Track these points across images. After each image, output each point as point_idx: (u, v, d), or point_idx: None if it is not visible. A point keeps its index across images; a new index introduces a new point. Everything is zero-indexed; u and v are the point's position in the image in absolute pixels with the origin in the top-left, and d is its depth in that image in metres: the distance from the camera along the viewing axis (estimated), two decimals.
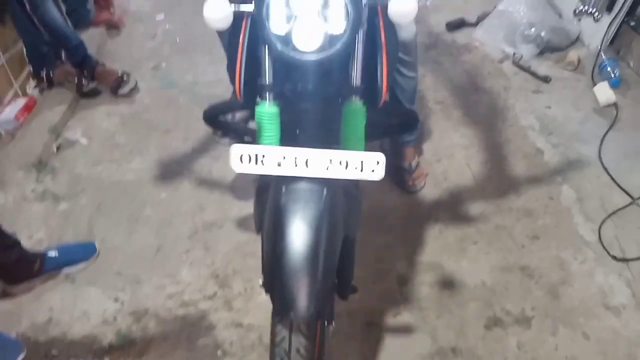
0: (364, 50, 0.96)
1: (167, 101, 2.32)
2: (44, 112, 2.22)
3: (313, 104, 0.97)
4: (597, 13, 2.32)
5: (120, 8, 3.00)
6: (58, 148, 2.07)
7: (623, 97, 2.14)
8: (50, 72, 2.30)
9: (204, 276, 1.60)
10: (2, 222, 1.47)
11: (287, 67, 0.92)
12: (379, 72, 1.06)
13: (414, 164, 1.83)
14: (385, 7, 0.87)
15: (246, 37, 1.01)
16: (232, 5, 0.83)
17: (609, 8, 2.24)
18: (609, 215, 1.72)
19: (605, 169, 1.87)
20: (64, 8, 2.51)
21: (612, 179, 1.83)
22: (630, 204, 1.75)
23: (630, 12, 2.23)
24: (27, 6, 2.03)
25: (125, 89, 2.31)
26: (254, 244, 1.68)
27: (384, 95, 1.09)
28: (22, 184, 1.89)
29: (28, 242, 1.67)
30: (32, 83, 2.35)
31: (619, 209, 1.74)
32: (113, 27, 2.85)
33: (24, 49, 2.31)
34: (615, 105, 2.09)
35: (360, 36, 0.89)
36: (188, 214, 1.79)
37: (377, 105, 1.10)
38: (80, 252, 1.64)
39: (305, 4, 0.77)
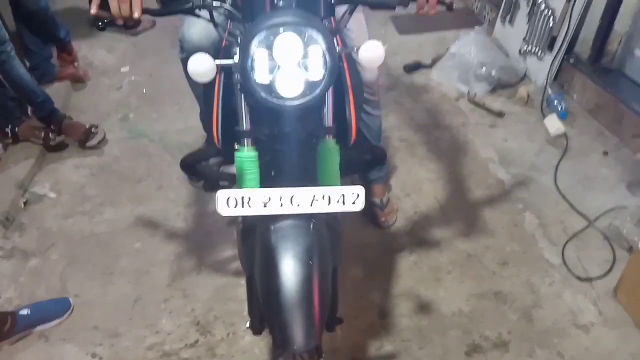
0: (334, 94, 1.04)
1: (137, 151, 2.33)
2: (9, 167, 2.18)
3: (290, 146, 1.03)
4: (539, 52, 2.54)
5: (85, 62, 3.02)
6: (25, 203, 2.03)
7: (571, 128, 2.31)
8: (16, 128, 2.27)
9: (185, 324, 1.58)
10: None
11: (266, 112, 0.98)
12: (348, 113, 1.14)
13: (384, 199, 1.90)
14: (349, 55, 0.95)
15: (221, 87, 1.08)
16: (215, 59, 0.89)
17: (550, 47, 2.45)
18: (570, 238, 1.83)
19: (562, 195, 1.99)
20: (27, 64, 2.53)
21: (570, 204, 1.96)
22: (588, 226, 1.87)
23: (569, 51, 2.44)
24: None
25: (93, 141, 2.31)
26: (233, 288, 1.68)
27: (354, 133, 1.17)
28: None
29: None
30: None
31: (579, 232, 1.85)
32: (78, 81, 2.85)
33: None
34: (565, 135, 2.25)
35: None
36: (165, 262, 1.78)
37: (348, 142, 1.17)
38: (54, 309, 1.59)
39: (287, 56, 0.84)
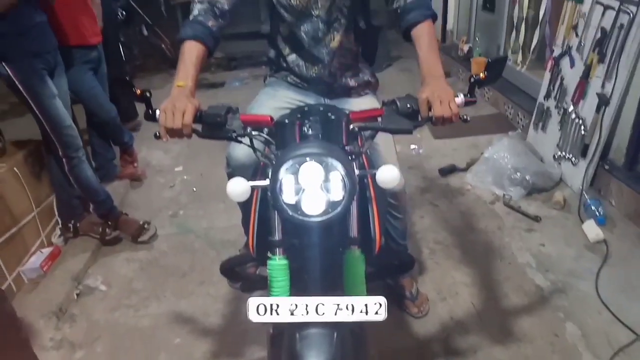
0: (359, 207, 1.14)
1: (184, 246, 2.48)
2: (68, 260, 2.37)
3: (318, 256, 1.11)
4: (574, 158, 2.58)
5: (143, 162, 3.33)
6: (78, 295, 2.18)
7: (611, 234, 2.27)
8: (77, 223, 2.50)
9: None
10: None
11: (296, 225, 1.08)
12: (372, 225, 1.23)
13: (414, 291, 1.93)
14: (373, 175, 1.06)
15: (257, 203, 1.21)
16: (250, 181, 1.02)
17: (583, 154, 2.50)
18: (617, 353, 1.73)
19: (605, 305, 1.92)
20: (93, 164, 2.83)
21: (614, 314, 1.88)
22: (635, 340, 1.77)
23: (603, 157, 2.48)
24: (66, 167, 2.30)
25: (145, 237, 2.49)
26: None
27: (378, 244, 1.24)
28: (41, 332, 1.95)
29: None
30: (57, 232, 2.53)
31: (625, 346, 1.75)
32: (136, 179, 3.14)
33: (54, 202, 2.55)
34: (604, 241, 2.22)
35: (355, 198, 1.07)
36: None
37: (373, 252, 1.25)
38: None
39: (310, 180, 0.96)
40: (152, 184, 3.14)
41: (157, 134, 1.14)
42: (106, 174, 2.97)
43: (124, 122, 3.16)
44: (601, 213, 2.32)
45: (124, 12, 4.98)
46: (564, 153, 2.66)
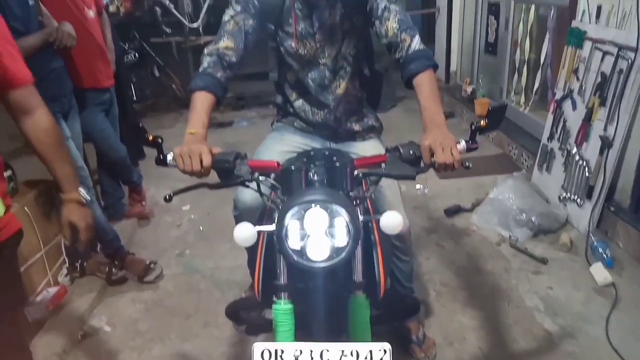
0: (363, 251, 1.15)
1: (189, 287, 2.48)
2: (74, 300, 2.36)
3: (322, 300, 1.12)
4: (579, 200, 2.58)
5: (151, 201, 3.36)
6: (82, 336, 2.16)
7: (619, 277, 2.25)
8: (84, 263, 2.51)
9: None
10: None
11: (301, 271, 1.10)
12: (377, 269, 1.24)
13: (420, 335, 1.90)
14: (377, 221, 1.08)
15: (264, 247, 1.22)
16: (256, 226, 1.04)
17: (589, 196, 2.50)
18: None
19: (616, 350, 1.88)
20: (102, 203, 2.87)
21: None
22: None
23: (609, 199, 2.48)
24: None
25: (151, 277, 2.49)
26: None
27: (383, 288, 1.25)
28: None
29: None
30: (64, 271, 2.54)
31: None
32: (144, 218, 3.16)
33: (62, 242, 2.57)
34: (613, 285, 2.19)
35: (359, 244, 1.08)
36: None
37: (378, 297, 1.25)
38: None
39: (316, 226, 0.98)
40: (160, 223, 3.16)
41: (167, 197, 1.17)
42: (114, 213, 3.00)
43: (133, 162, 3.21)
44: (609, 255, 2.31)
45: (137, 54, 5.17)
46: (569, 194, 2.67)
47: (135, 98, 5.11)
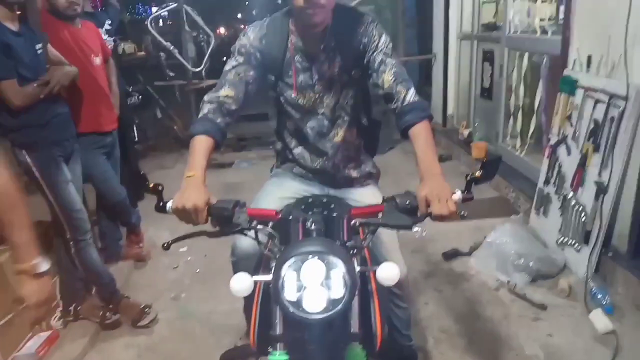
0: (360, 302, 1.15)
1: (184, 332, 2.43)
2: (65, 345, 2.32)
3: (318, 352, 1.11)
4: (576, 244, 2.59)
5: (149, 242, 3.34)
6: None
7: (620, 324, 2.22)
8: (78, 307, 2.48)
9: None
10: None
11: (297, 322, 1.09)
12: (373, 320, 1.23)
13: None
14: (374, 271, 1.09)
15: (260, 296, 1.22)
16: (253, 276, 1.05)
17: (586, 241, 2.51)
18: None
19: None
20: (100, 245, 2.86)
21: None
22: None
23: (606, 244, 2.48)
24: (72, 249, 2.33)
25: (145, 321, 2.45)
26: None
27: (380, 339, 1.24)
28: None
29: None
30: (57, 315, 2.50)
31: None
32: (141, 260, 3.14)
33: (58, 285, 2.54)
34: (614, 332, 2.16)
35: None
36: None
37: (374, 348, 1.24)
38: None
39: (312, 278, 0.98)
40: (156, 265, 3.14)
41: (165, 245, 1.19)
42: (112, 255, 2.98)
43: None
44: (608, 302, 2.29)
45: (140, 97, 5.27)
46: (566, 239, 2.67)
47: (136, 139, 5.17)
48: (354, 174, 1.71)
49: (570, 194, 2.67)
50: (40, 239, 2.43)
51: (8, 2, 1.97)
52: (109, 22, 3.37)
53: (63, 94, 2.26)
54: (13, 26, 2.03)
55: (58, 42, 2.37)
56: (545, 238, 2.86)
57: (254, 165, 5.19)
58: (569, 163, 2.75)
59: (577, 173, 2.64)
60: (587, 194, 2.56)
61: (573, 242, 2.62)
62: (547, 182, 2.95)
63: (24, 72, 2.02)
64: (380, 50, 1.44)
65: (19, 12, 2.09)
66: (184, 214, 1.17)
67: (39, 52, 2.14)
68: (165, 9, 5.09)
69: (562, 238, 2.70)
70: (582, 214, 2.55)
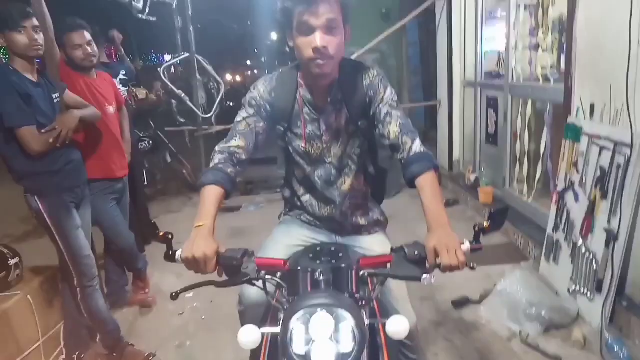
0: (369, 355, 1.13)
1: None
2: None
3: None
4: (589, 293, 2.53)
5: (155, 287, 3.32)
6: None
7: None
8: (82, 355, 2.44)
9: None
10: None
11: None
12: None
13: None
14: (384, 324, 1.07)
15: (267, 348, 1.20)
16: (261, 328, 1.04)
17: (598, 289, 2.46)
18: None
19: None
20: (106, 290, 2.85)
21: None
22: None
23: (620, 292, 2.43)
24: (79, 295, 2.32)
25: None
26: None
27: None
28: None
29: None
30: None
31: None
32: (146, 306, 3.11)
33: (62, 331, 2.52)
34: None
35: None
36: None
37: None
38: None
39: (321, 331, 0.97)
40: (162, 311, 3.10)
41: (174, 295, 1.19)
42: (117, 301, 2.96)
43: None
44: (625, 355, 2.21)
45: (151, 142, 5.38)
46: (578, 287, 2.62)
47: (146, 182, 5.23)
48: (362, 221, 1.71)
49: (580, 241, 2.65)
50: (47, 284, 2.46)
51: (28, 56, 2.07)
52: (124, 72, 3.49)
53: (77, 138, 2.32)
54: (32, 77, 2.12)
55: (74, 91, 2.46)
56: (556, 286, 2.81)
57: (262, 208, 5.21)
58: (577, 210, 2.73)
59: (586, 220, 2.62)
60: (597, 241, 2.53)
61: (585, 290, 2.57)
62: (556, 228, 2.93)
63: (42, 119, 2.09)
64: (386, 102, 1.48)
65: (37, 64, 2.18)
66: (193, 264, 1.17)
67: (56, 101, 2.22)
68: (178, 59, 5.27)
69: (574, 286, 2.65)
70: (593, 262, 2.52)
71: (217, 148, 1.51)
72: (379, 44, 5.54)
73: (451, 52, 5.13)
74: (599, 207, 2.53)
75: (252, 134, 1.50)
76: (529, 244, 3.41)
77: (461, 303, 2.84)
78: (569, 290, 2.69)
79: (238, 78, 21.10)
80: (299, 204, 1.72)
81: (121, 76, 3.58)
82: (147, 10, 4.30)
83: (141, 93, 4.43)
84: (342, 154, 1.59)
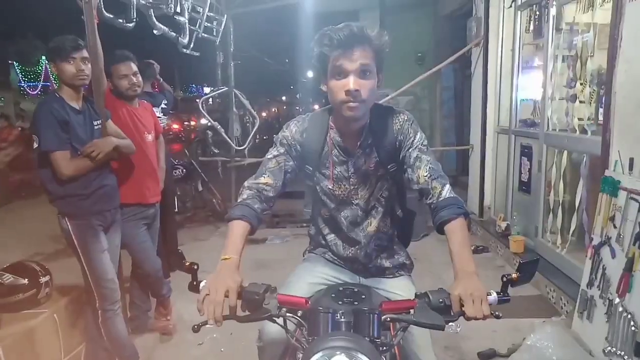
0: None
1: None
2: None
3: None
4: (626, 357, 2.39)
5: (177, 315, 3.32)
6: None
7: None
8: None
9: None
10: None
11: None
12: None
13: None
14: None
15: None
16: None
17: (637, 353, 2.32)
18: None
19: None
20: (129, 314, 2.87)
21: None
22: None
23: None
24: (100, 318, 2.34)
25: None
26: None
27: None
28: None
29: None
30: None
31: None
32: (166, 333, 3.11)
33: (83, 353, 2.54)
34: None
35: None
36: None
37: None
38: None
39: None
40: (181, 340, 3.10)
41: (196, 327, 1.19)
42: (139, 325, 2.98)
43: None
44: None
45: (184, 170, 5.52)
46: (614, 349, 2.48)
47: (176, 209, 5.34)
48: (387, 263, 1.69)
49: (617, 300, 2.52)
50: (74, 305, 2.51)
51: (74, 84, 2.21)
52: (165, 102, 3.64)
53: (114, 163, 2.40)
54: (76, 104, 2.24)
55: (116, 119, 2.57)
56: (590, 345, 2.66)
57: (287, 242, 5.20)
58: (614, 266, 2.62)
59: (623, 278, 2.50)
60: (636, 300, 2.41)
61: (622, 353, 2.42)
62: (590, 284, 2.80)
63: (78, 145, 2.19)
64: (416, 147, 1.48)
65: (84, 90, 2.31)
66: (212, 310, 1.18)
67: (96, 127, 2.32)
68: (217, 92, 5.46)
69: (610, 347, 2.51)
70: (632, 323, 2.38)
71: (246, 184, 1.54)
72: (414, 87, 5.60)
73: (486, 98, 5.12)
74: (638, 265, 2.41)
75: (281, 172, 1.53)
76: (561, 299, 3.27)
77: (488, 356, 2.73)
78: (604, 351, 2.55)
79: (273, 113, 21.59)
80: (323, 242, 1.72)
81: (162, 105, 3.72)
82: (192, 45, 4.50)
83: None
84: (369, 196, 1.59)
